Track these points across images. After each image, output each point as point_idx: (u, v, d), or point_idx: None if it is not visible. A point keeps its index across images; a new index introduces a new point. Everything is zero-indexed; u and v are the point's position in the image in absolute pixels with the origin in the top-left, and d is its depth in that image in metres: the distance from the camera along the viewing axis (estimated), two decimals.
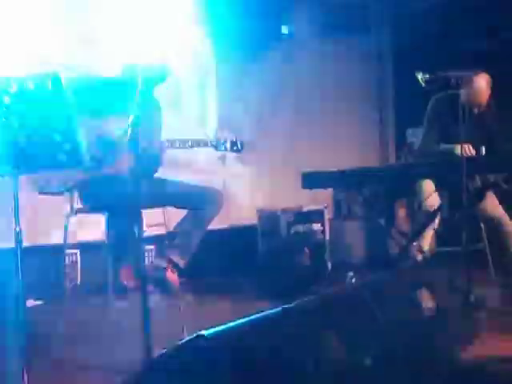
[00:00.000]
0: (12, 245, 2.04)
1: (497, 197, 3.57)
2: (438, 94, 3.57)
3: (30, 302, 3.49)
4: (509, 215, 3.52)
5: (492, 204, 3.52)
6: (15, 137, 1.94)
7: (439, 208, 3.49)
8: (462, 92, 3.35)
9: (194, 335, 1.59)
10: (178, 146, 2.84)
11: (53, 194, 2.77)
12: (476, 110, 3.54)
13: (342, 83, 5.99)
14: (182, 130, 4.92)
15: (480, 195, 3.41)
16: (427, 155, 3.57)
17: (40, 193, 2.72)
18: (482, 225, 3.63)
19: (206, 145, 2.92)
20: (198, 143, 2.91)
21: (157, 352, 2.06)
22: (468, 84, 3.44)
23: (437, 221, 3.55)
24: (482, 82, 3.51)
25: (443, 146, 3.48)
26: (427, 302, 2.39)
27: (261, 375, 1.57)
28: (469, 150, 3.23)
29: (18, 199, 1.97)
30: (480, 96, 3.50)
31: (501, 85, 3.59)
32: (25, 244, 2.04)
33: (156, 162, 2.88)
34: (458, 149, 3.28)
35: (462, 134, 2.94)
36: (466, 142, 3.12)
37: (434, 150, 3.52)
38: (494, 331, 2.79)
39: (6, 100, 1.89)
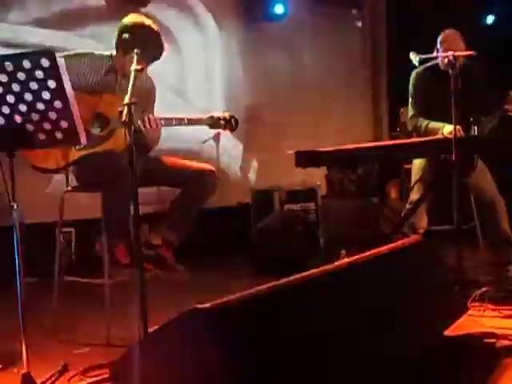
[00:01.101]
0: (7, 223, 2.06)
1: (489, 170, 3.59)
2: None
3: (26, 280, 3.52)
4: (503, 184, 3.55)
5: (483, 180, 3.54)
6: (12, 114, 1.95)
7: (431, 186, 3.53)
8: (439, 51, 3.41)
9: (188, 309, 1.63)
10: (173, 123, 2.84)
11: (48, 171, 2.78)
12: (457, 69, 3.44)
13: (335, 62, 5.99)
14: (177, 108, 4.96)
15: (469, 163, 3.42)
16: (417, 131, 3.60)
17: (36, 170, 2.73)
18: (473, 202, 3.66)
19: (201, 123, 2.93)
20: (193, 121, 2.92)
21: (152, 327, 2.10)
22: (440, 42, 3.48)
23: (429, 199, 3.59)
24: (450, 32, 3.51)
25: (432, 125, 3.50)
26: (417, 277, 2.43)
27: (253, 349, 1.61)
28: (458, 131, 3.25)
29: (14, 176, 1.99)
30: (453, 44, 3.42)
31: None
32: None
33: (151, 140, 2.89)
34: (446, 128, 3.32)
35: (449, 103, 2.98)
36: (453, 107, 3.11)
37: (422, 124, 3.54)
38: (483, 308, 2.86)
39: (3, 78, 1.90)
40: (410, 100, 3.68)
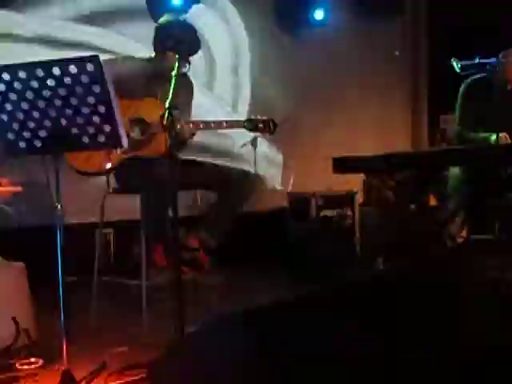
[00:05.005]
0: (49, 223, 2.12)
1: None
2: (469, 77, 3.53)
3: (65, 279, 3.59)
4: None
5: None
6: (58, 117, 2.01)
7: (469, 195, 3.47)
8: (499, 69, 3.33)
9: (224, 313, 1.64)
10: (212, 126, 2.88)
11: (91, 174, 2.85)
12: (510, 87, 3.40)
13: (375, 69, 5.94)
14: (214, 110, 4.99)
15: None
16: (463, 142, 3.53)
17: (78, 173, 2.80)
18: None
19: (239, 126, 2.95)
20: (231, 124, 2.94)
21: (188, 330, 2.13)
22: (505, 58, 3.40)
23: (468, 208, 3.53)
24: None
25: (479, 135, 3.43)
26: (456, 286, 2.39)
27: (287, 353, 1.62)
28: (505, 138, 3.19)
29: (59, 177, 2.04)
30: None
31: None
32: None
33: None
34: (493, 138, 3.25)
35: (498, 116, 2.91)
36: (503, 125, 3.05)
37: (470, 137, 3.48)
38: None
39: (50, 82, 1.96)
40: (458, 111, 3.61)
